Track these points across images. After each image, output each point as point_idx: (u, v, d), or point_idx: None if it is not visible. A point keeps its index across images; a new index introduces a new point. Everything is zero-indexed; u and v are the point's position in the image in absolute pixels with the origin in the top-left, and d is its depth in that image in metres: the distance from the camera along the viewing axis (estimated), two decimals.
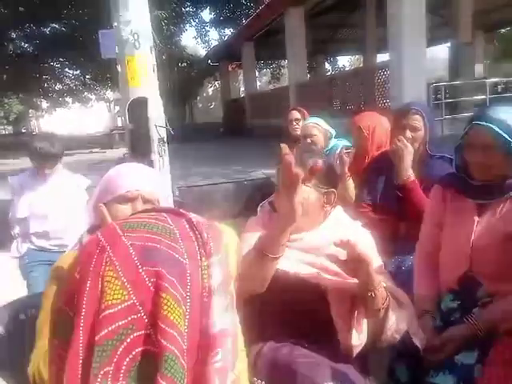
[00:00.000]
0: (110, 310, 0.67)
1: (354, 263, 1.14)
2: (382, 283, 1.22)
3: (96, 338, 0.66)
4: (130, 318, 0.68)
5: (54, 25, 17.74)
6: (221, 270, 0.78)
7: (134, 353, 0.67)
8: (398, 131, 2.15)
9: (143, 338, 0.68)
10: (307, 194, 1.39)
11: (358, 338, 1.27)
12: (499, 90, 9.96)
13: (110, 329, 0.67)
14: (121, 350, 0.67)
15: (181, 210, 0.85)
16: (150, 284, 0.69)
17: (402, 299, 1.31)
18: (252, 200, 4.59)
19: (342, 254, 1.16)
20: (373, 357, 1.37)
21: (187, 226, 0.80)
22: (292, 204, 1.11)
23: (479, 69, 14.58)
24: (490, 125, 1.40)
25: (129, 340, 0.67)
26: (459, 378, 1.31)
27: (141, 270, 0.70)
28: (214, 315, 0.75)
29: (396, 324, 1.25)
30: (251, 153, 7.96)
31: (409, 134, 2.11)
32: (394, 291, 1.31)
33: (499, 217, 1.48)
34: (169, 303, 0.69)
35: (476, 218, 1.52)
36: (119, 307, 0.68)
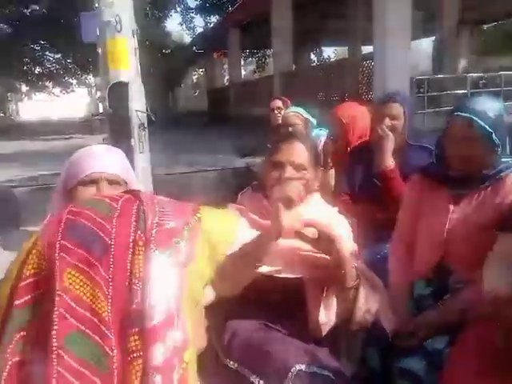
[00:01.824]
0: (29, 280, 0.70)
1: (324, 241, 1.15)
2: (353, 262, 1.23)
3: (15, 303, 0.68)
4: (44, 289, 0.70)
5: (35, 6, 17.27)
6: (169, 258, 0.76)
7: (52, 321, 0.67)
8: (378, 119, 2.17)
9: (53, 309, 0.68)
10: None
11: (326, 316, 1.28)
12: (480, 85, 10.11)
13: (27, 297, 0.69)
14: (39, 317, 0.68)
15: (146, 193, 0.84)
16: (58, 257, 0.70)
17: (375, 282, 1.33)
18: (233, 189, 4.59)
19: (312, 233, 1.17)
20: (345, 341, 1.39)
21: (134, 209, 0.78)
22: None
23: (463, 63, 14.75)
24: (471, 116, 1.42)
25: (43, 309, 0.68)
26: (429, 363, 1.34)
27: (57, 244, 0.71)
28: (152, 305, 0.73)
29: (367, 304, 1.27)
30: (234, 141, 7.93)
31: (388, 122, 2.13)
32: (367, 273, 1.33)
33: (473, 207, 1.52)
34: (76, 279, 0.69)
35: (451, 208, 1.55)
36: (35, 278, 0.70)
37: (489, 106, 1.45)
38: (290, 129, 3.10)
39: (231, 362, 1.23)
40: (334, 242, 1.14)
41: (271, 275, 1.26)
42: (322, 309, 1.29)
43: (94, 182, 1.29)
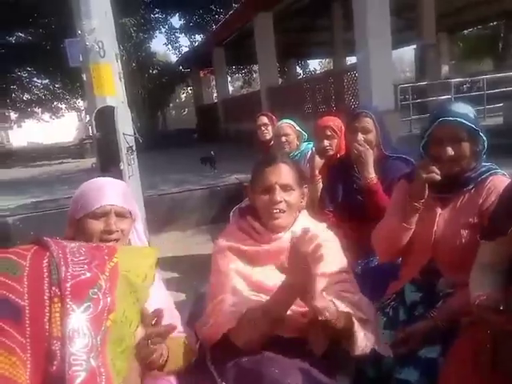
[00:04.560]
0: None
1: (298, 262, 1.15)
2: (331, 305, 1.23)
3: None
4: None
5: (20, 33, 17.36)
6: (88, 311, 0.74)
7: None
8: (350, 134, 2.20)
9: None
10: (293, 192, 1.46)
11: (317, 341, 1.29)
12: (464, 90, 10.27)
13: None
14: None
15: (57, 242, 0.81)
16: None
17: (366, 313, 1.33)
18: (226, 206, 4.59)
19: None
20: (340, 355, 1.39)
21: (45, 263, 0.75)
22: (310, 278, 1.13)
23: (445, 69, 14.98)
24: (458, 118, 1.48)
25: None
26: (423, 372, 1.35)
27: None
28: (72, 364, 0.70)
29: (365, 342, 1.28)
30: (224, 158, 7.96)
31: (360, 136, 2.16)
32: (358, 306, 1.33)
33: (459, 209, 1.56)
34: None
35: (439, 211, 1.60)
36: None
37: (469, 109, 1.53)
38: (284, 139, 3.14)
39: None
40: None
41: None
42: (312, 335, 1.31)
43: (103, 214, 1.33)
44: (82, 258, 0.81)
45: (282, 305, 1.23)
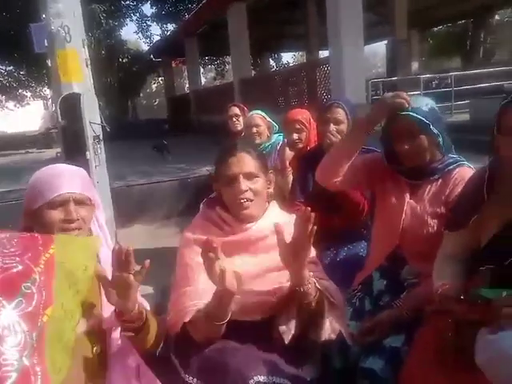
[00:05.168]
0: None
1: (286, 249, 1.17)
2: (312, 279, 1.24)
3: None
4: None
5: None
6: (19, 307, 0.71)
7: None
8: (322, 125, 2.20)
9: None
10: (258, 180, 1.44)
11: (286, 325, 1.29)
12: (433, 86, 10.49)
13: None
14: None
15: None
16: None
17: (335, 298, 1.34)
18: (196, 198, 4.55)
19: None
20: (307, 345, 1.39)
21: None
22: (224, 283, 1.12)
23: (415, 66, 15.26)
24: (408, 113, 1.50)
25: None
26: (387, 361, 1.37)
27: None
28: (2, 364, 0.68)
29: (331, 325, 1.29)
30: (196, 149, 7.88)
31: (332, 127, 2.16)
32: (328, 290, 1.34)
33: (426, 199, 1.59)
34: None
35: (407, 198, 1.62)
36: None
37: (422, 103, 1.55)
38: (254, 129, 3.12)
39: (189, 378, 1.20)
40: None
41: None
42: (282, 318, 1.30)
43: (62, 203, 1.26)
44: (13, 249, 0.77)
45: (217, 310, 1.20)
